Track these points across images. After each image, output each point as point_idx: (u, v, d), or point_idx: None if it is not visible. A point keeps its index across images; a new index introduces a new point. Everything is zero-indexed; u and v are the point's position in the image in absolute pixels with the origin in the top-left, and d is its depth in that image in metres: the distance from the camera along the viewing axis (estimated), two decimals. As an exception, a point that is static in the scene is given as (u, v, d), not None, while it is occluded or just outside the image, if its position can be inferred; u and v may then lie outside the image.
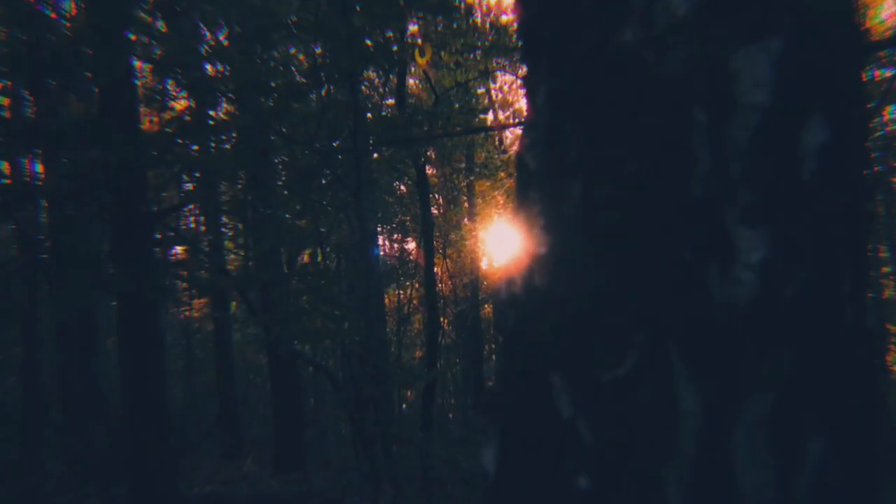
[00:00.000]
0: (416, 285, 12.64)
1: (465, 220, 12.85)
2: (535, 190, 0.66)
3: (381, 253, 12.94)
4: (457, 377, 13.81)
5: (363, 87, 8.64)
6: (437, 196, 12.61)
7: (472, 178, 12.32)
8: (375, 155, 6.51)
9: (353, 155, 4.41)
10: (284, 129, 4.81)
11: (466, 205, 13.37)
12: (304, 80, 4.49)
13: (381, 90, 9.51)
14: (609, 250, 0.58)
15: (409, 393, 13.59)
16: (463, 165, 12.52)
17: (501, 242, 12.26)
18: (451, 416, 13.03)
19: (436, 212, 12.10)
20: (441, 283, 12.41)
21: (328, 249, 7.78)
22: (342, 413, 11.93)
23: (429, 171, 10.53)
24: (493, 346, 14.31)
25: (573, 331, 0.59)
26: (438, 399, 12.15)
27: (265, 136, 4.81)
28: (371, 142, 5.46)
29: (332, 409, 13.39)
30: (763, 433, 0.52)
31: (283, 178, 5.93)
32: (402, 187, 11.90)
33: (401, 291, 14.05)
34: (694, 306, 0.53)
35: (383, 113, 7.43)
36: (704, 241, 0.54)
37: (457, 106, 7.24)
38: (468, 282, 12.81)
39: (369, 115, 6.16)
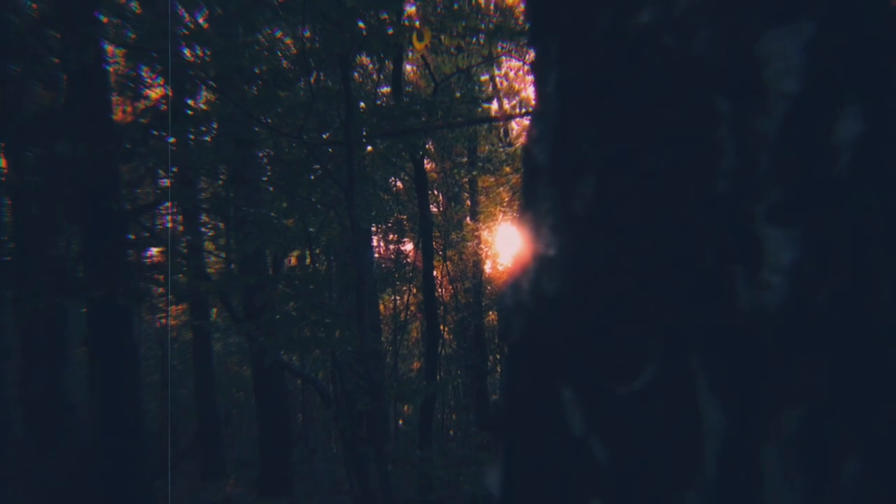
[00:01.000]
0: (414, 290, 12.65)
1: (467, 219, 12.87)
2: (543, 186, 0.66)
3: (376, 255, 12.94)
4: (458, 391, 13.81)
5: (356, 75, 8.66)
6: (436, 193, 12.63)
7: (474, 173, 12.34)
8: (369, 148, 6.52)
9: (345, 148, 4.41)
10: (270, 120, 4.81)
11: (468, 202, 13.39)
12: (291, 66, 4.49)
13: (375, 77, 9.52)
14: (625, 252, 0.58)
15: (405, 408, 13.60)
16: (465, 159, 12.54)
17: (506, 243, 12.28)
18: (451, 433, 13.03)
19: (435, 210, 12.12)
20: (441, 287, 12.42)
21: (318, 251, 7.78)
22: (333, 430, 11.93)
23: (427, 165, 10.54)
24: (498, 356, 14.32)
25: (586, 340, 0.59)
26: (438, 415, 12.15)
27: (249, 127, 4.81)
28: (364, 133, 5.47)
29: (322, 425, 13.40)
30: (794, 452, 0.52)
31: (269, 174, 5.94)
32: (399, 183, 11.92)
33: (397, 297, 14.06)
34: (718, 313, 0.53)
35: (378, 102, 7.44)
36: (729, 242, 0.54)
37: (458, 94, 7.25)
38: (470, 287, 12.83)
39: (362, 104, 6.17)
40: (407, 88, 9.13)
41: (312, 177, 5.28)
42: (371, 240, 10.83)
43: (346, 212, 4.56)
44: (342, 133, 4.57)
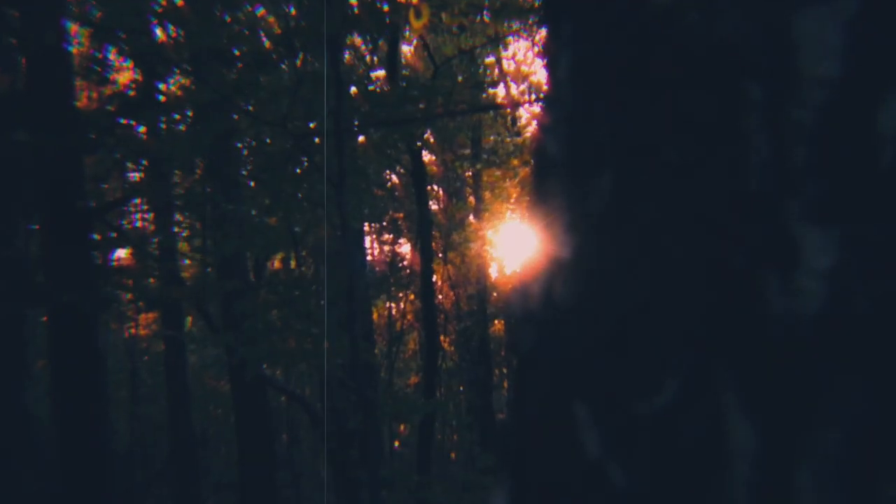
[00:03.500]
0: (412, 297, 12.65)
1: (471, 217, 12.87)
2: (556, 181, 0.66)
3: (369, 258, 12.94)
4: (460, 408, 13.82)
5: (346, 57, 8.66)
6: (436, 188, 12.64)
7: (478, 166, 12.34)
8: (361, 138, 6.53)
9: (334, 138, 4.42)
10: (251, 107, 4.82)
11: (472, 199, 13.39)
12: (274, 47, 4.50)
13: (368, 60, 9.53)
14: (646, 255, 0.58)
15: (402, 427, 13.60)
16: (468, 151, 12.56)
17: (514, 245, 12.27)
18: (453, 455, 13.03)
19: (435, 207, 12.13)
20: (441, 294, 12.42)
21: (304, 253, 7.79)
22: (321, 452, 11.92)
23: (426, 158, 10.55)
24: (505, 370, 14.32)
25: (602, 352, 0.59)
26: (438, 435, 12.15)
27: (227, 115, 4.81)
28: (356, 122, 5.48)
29: (309, 446, 13.40)
30: (831, 475, 0.52)
31: (250, 167, 5.95)
32: (395, 178, 11.92)
33: (392, 304, 14.06)
34: (748, 322, 0.54)
35: (371, 87, 7.44)
36: (761, 242, 0.54)
37: (460, 79, 7.26)
38: (474, 293, 12.83)
39: (354, 89, 6.17)
40: (404, 72, 9.13)
41: (298, 170, 5.28)
42: (364, 241, 10.84)
43: (335, 209, 4.56)
44: (331, 122, 4.58)
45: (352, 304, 4.57)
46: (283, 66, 5.01)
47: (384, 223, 12.25)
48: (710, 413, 0.54)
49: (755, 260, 0.54)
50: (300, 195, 5.29)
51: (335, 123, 4.43)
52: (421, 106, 5.79)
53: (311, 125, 5.21)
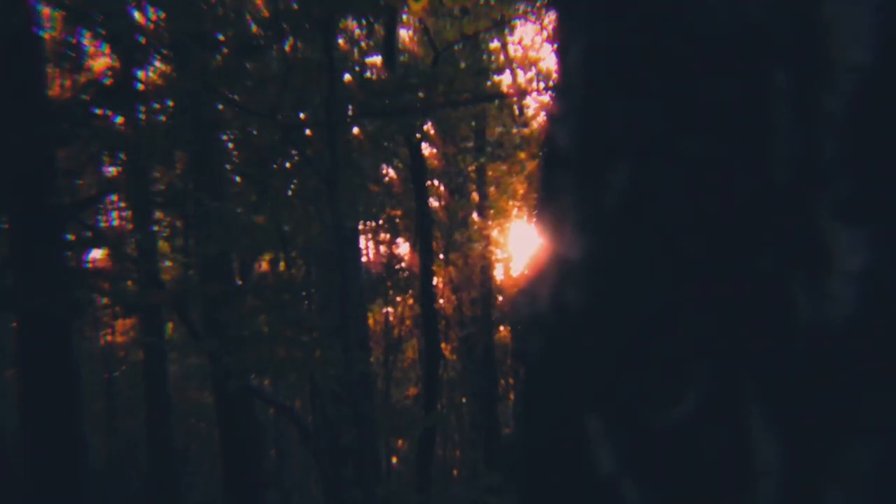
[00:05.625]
0: (410, 301, 12.65)
1: (474, 215, 12.86)
2: (566, 176, 0.66)
3: (365, 259, 12.94)
4: (463, 422, 13.81)
5: (340, 42, 8.66)
6: (436, 184, 12.63)
7: (482, 160, 12.34)
8: (356, 130, 6.53)
9: (327, 130, 4.42)
10: (236, 97, 4.82)
11: (475, 196, 13.38)
12: (262, 32, 4.51)
13: (363, 45, 9.53)
14: (663, 256, 0.58)
15: (400, 443, 13.60)
16: (471, 144, 12.54)
17: (522, 245, 12.27)
18: (455, 472, 13.04)
19: (435, 204, 12.12)
20: (442, 298, 12.42)
21: (294, 255, 7.79)
22: (312, 469, 11.93)
23: (426, 151, 10.55)
24: (511, 381, 14.32)
25: (616, 360, 0.60)
26: (439, 450, 12.15)
27: (211, 105, 4.82)
28: (350, 113, 5.48)
29: (300, 463, 13.41)
30: (863, 493, 0.52)
31: (235, 161, 5.96)
32: (392, 172, 11.92)
33: (390, 309, 14.06)
34: (773, 328, 0.54)
35: (367, 75, 7.45)
36: (788, 242, 0.54)
37: (463, 65, 7.26)
38: (477, 297, 12.82)
39: (348, 77, 6.18)
40: (402, 58, 9.14)
41: (288, 164, 5.29)
42: (358, 240, 10.84)
43: (327, 207, 4.56)
44: (323, 112, 4.58)
45: (345, 309, 4.57)
46: (272, 53, 5.02)
47: (380, 222, 12.25)
48: (733, 426, 0.54)
49: (781, 261, 0.54)
50: (289, 191, 5.30)
51: (327, 114, 4.43)
52: (420, 95, 5.79)
53: (302, 116, 5.22)
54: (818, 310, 0.53)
